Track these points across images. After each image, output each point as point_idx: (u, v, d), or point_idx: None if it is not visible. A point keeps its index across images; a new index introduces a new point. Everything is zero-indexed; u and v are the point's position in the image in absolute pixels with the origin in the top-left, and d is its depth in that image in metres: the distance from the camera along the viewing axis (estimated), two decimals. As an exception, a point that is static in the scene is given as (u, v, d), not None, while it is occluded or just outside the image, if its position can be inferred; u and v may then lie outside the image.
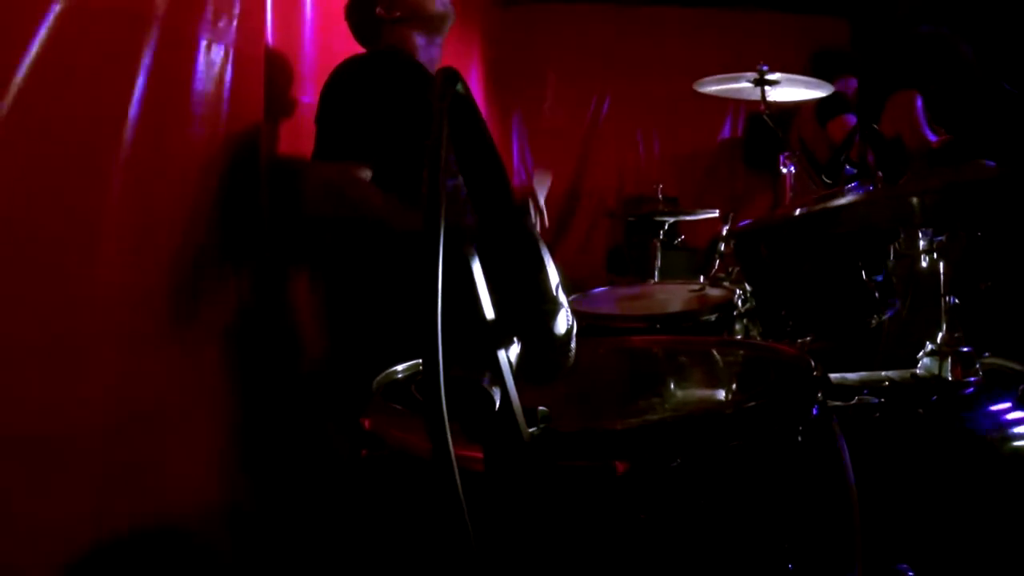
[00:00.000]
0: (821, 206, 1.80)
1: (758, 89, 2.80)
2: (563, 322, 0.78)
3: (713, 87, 2.99)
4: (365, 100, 2.11)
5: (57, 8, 1.49)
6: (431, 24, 2.33)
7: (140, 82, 1.71)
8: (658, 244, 3.21)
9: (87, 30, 1.57)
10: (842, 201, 1.76)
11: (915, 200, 1.59)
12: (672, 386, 1.40)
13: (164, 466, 1.82)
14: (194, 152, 1.93)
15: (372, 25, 2.32)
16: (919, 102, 3.17)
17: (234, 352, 2.08)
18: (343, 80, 2.19)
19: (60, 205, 1.56)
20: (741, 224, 2.04)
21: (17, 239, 1.47)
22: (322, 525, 2.18)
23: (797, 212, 1.85)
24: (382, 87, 2.13)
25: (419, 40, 2.32)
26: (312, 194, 2.14)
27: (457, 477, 0.59)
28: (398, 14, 2.29)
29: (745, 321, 2.19)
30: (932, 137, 3.17)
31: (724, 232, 2.59)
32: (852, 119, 3.85)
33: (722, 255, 2.58)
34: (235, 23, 1.99)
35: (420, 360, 1.32)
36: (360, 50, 2.37)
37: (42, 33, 1.47)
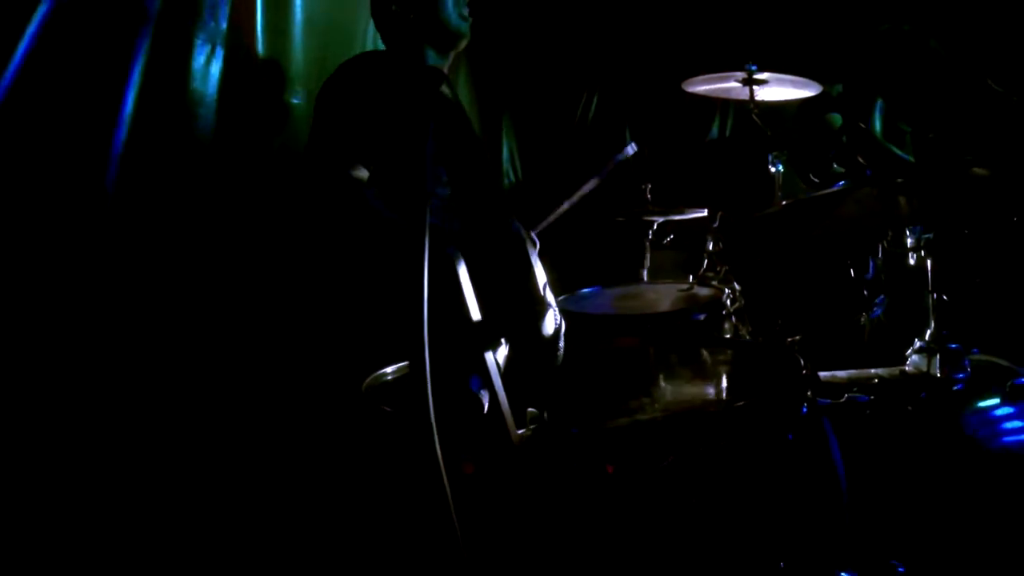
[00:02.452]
0: (809, 204, 1.81)
1: (747, 88, 2.80)
2: (551, 323, 0.77)
3: (702, 86, 2.99)
4: (364, 99, 2.10)
5: (50, 4, 1.48)
6: (443, 37, 2.31)
7: (133, 79, 1.71)
8: (647, 244, 3.20)
9: (80, 27, 1.56)
10: (830, 200, 1.77)
11: (903, 198, 1.60)
12: (662, 385, 1.40)
13: (162, 465, 1.81)
14: (187, 149, 1.91)
15: (388, 22, 2.31)
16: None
17: (231, 350, 2.07)
18: (345, 77, 2.17)
19: (54, 201, 1.55)
20: (730, 223, 2.04)
21: (9, 235, 1.46)
22: (318, 524, 2.18)
23: (785, 211, 1.85)
24: (382, 88, 2.11)
25: (428, 52, 2.30)
26: (309, 192, 2.12)
27: (445, 479, 0.59)
28: (412, 16, 2.27)
29: (734, 320, 2.20)
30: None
31: (713, 231, 2.60)
32: (838, 118, 3.86)
33: (711, 254, 2.58)
34: (227, 23, 1.99)
35: (408, 362, 1.32)
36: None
37: (35, 30, 1.46)
